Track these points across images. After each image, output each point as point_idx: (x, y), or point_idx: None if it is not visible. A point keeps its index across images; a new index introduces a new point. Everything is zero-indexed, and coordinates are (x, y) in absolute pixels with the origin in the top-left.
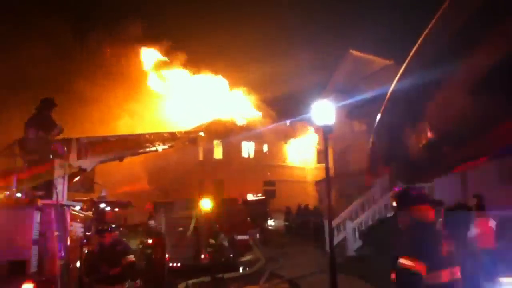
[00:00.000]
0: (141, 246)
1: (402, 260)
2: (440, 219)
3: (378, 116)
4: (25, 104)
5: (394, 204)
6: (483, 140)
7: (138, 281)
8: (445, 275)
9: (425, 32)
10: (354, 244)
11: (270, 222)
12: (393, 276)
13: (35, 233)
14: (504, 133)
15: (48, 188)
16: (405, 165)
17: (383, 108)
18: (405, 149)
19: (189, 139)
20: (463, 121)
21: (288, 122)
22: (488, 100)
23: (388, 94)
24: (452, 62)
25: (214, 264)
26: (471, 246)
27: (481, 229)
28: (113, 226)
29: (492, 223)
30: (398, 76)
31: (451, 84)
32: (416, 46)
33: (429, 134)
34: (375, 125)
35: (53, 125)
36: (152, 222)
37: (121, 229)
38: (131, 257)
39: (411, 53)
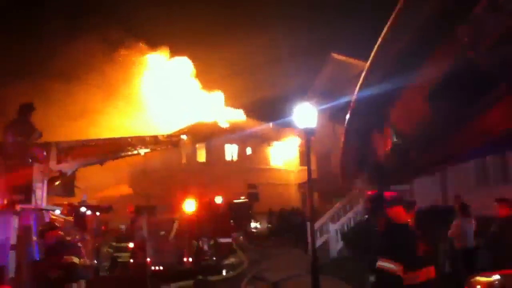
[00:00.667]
0: (111, 250)
1: (380, 262)
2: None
3: (346, 120)
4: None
5: (368, 207)
6: (443, 145)
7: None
8: (422, 275)
9: (379, 40)
10: (336, 246)
11: (254, 225)
12: (371, 278)
13: (13, 238)
14: (465, 137)
15: (27, 192)
16: (375, 169)
17: (349, 112)
18: (374, 153)
19: (172, 143)
20: (423, 125)
21: (271, 125)
22: (445, 105)
23: (353, 99)
24: (410, 69)
25: (197, 268)
26: (451, 246)
27: (462, 229)
28: (56, 225)
29: (471, 223)
30: (360, 82)
31: (410, 91)
32: (373, 53)
33: (394, 139)
34: (344, 130)
35: (32, 130)
36: (123, 227)
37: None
38: (73, 258)
39: (368, 62)
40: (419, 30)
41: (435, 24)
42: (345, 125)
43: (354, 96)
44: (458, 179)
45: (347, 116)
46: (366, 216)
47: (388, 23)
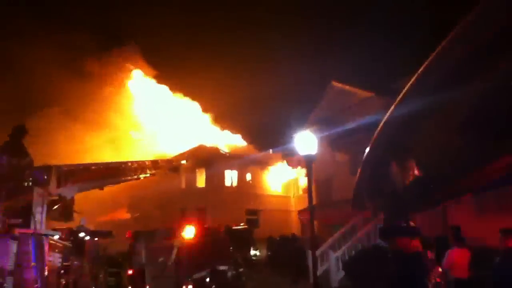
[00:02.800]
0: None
1: None
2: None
3: (366, 151)
4: None
5: (381, 236)
6: (469, 178)
7: None
8: None
9: (420, 70)
10: (337, 275)
11: (253, 252)
12: None
13: (10, 264)
14: (490, 171)
15: (26, 216)
16: (391, 200)
17: (371, 143)
18: (392, 184)
19: (171, 167)
20: (450, 160)
21: (271, 151)
22: (474, 140)
23: (378, 129)
24: (441, 101)
25: None
26: (447, 276)
27: (456, 259)
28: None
29: (466, 254)
30: (390, 110)
31: (438, 123)
32: (411, 82)
33: (416, 172)
34: (363, 159)
35: (25, 153)
36: (114, 255)
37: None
38: None
39: (406, 88)
40: (461, 61)
41: (478, 56)
42: (365, 155)
43: (378, 128)
44: (457, 210)
45: (371, 144)
46: (379, 242)
47: (433, 53)
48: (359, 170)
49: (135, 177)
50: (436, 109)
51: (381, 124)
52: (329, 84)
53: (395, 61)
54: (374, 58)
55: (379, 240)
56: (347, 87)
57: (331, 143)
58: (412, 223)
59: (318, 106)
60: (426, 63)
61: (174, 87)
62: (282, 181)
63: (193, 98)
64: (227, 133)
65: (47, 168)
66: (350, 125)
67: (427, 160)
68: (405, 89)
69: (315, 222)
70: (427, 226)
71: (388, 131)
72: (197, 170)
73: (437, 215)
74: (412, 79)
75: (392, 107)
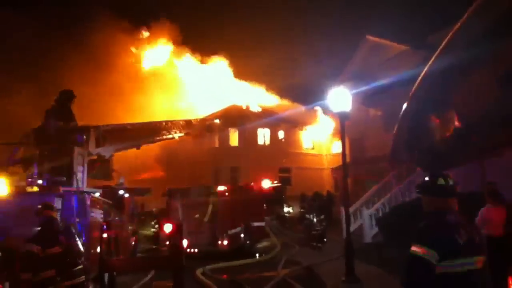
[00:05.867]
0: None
1: (413, 248)
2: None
3: (405, 105)
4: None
5: (418, 191)
6: (510, 130)
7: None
8: (461, 264)
9: (460, 21)
10: (370, 231)
11: (287, 209)
12: (405, 263)
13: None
14: None
15: (68, 175)
16: (429, 153)
17: (410, 96)
18: (431, 137)
19: (205, 127)
20: (491, 110)
21: (303, 108)
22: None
23: (417, 82)
24: (484, 51)
25: (231, 251)
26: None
27: (489, 216)
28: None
29: (500, 211)
30: (430, 62)
31: (481, 73)
32: (448, 37)
33: (457, 123)
34: (401, 113)
35: (71, 118)
36: (154, 209)
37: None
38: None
39: (443, 44)
40: (501, 14)
41: None
42: (403, 108)
43: (418, 80)
44: (497, 164)
45: (410, 96)
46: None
47: (470, 8)
48: (396, 125)
49: (170, 136)
50: (479, 60)
51: (420, 77)
52: (363, 39)
53: (431, 14)
54: (409, 11)
55: (414, 196)
56: (381, 41)
57: (365, 100)
58: (451, 181)
59: (351, 62)
60: (469, 12)
61: (203, 50)
62: (314, 139)
63: (226, 60)
64: (259, 91)
65: (86, 129)
66: (385, 80)
67: (467, 112)
68: (446, 41)
69: (348, 180)
70: (464, 182)
71: (427, 84)
72: (230, 129)
73: (475, 170)
74: (454, 29)
75: (432, 59)
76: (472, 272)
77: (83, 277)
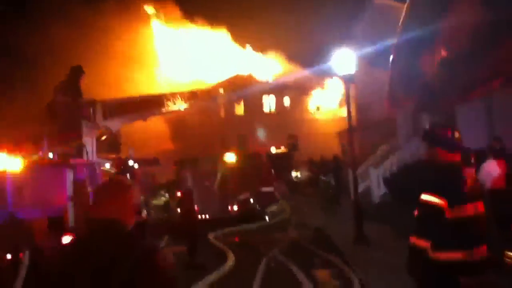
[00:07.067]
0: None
1: (424, 196)
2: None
3: (396, 42)
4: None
5: (424, 142)
6: (494, 58)
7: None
8: (468, 209)
9: None
10: (378, 191)
11: (295, 174)
12: (416, 212)
13: (69, 191)
14: None
15: (78, 148)
16: (423, 90)
17: (399, 29)
18: (422, 73)
19: (210, 97)
20: (476, 35)
21: (308, 72)
22: (499, 11)
23: (402, 16)
24: None
25: (241, 216)
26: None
27: (490, 170)
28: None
29: (501, 164)
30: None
31: None
32: None
33: (443, 53)
34: (393, 53)
35: (79, 93)
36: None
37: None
38: None
39: None
40: None
41: None
42: (394, 47)
43: (403, 13)
44: (506, 116)
45: (398, 31)
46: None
47: None
48: (390, 65)
49: (176, 108)
50: None
51: (405, 8)
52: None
53: None
54: None
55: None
56: (388, 2)
57: (371, 62)
58: (456, 134)
59: (357, 24)
60: None
61: (203, 17)
62: (321, 104)
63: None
64: (264, 59)
65: (92, 102)
66: (392, 41)
67: (453, 37)
68: None
69: (355, 143)
70: (469, 135)
71: (416, 17)
72: (235, 98)
73: (482, 126)
74: None
75: None
76: (479, 216)
77: None
